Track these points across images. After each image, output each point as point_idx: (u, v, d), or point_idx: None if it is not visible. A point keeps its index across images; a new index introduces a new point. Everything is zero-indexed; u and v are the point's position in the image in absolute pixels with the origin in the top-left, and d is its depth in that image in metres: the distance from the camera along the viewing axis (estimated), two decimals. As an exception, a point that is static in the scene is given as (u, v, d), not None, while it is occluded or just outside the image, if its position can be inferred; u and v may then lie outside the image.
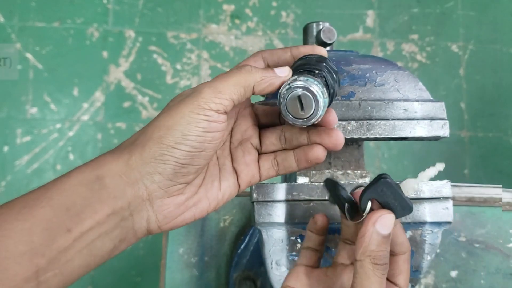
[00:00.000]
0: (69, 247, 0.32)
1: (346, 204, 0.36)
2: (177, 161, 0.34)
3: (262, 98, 0.43)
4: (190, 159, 0.34)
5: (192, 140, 0.33)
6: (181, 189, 0.36)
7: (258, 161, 0.41)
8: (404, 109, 0.44)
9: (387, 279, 0.37)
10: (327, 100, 0.35)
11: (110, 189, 0.33)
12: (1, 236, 0.30)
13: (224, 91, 0.34)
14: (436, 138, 0.45)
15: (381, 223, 0.34)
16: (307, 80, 0.34)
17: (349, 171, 0.48)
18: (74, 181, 0.33)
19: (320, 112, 0.34)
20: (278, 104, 0.35)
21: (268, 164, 0.41)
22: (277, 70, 0.36)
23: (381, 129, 0.43)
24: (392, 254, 0.37)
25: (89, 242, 0.33)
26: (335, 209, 0.44)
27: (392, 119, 0.43)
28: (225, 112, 0.35)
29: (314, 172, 0.47)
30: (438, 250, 0.60)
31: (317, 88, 0.34)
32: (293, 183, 0.45)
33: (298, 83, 0.34)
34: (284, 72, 0.36)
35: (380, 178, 0.35)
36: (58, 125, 1.46)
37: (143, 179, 0.34)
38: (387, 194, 0.35)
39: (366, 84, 0.45)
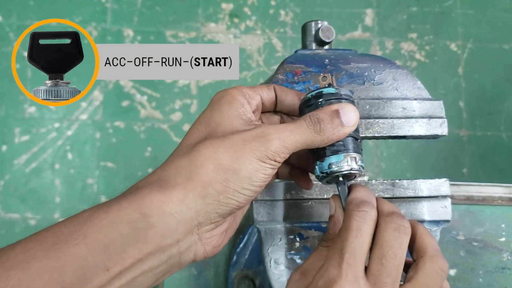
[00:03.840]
0: (106, 286, 0.30)
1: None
2: (239, 204, 0.33)
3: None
4: (249, 201, 0.34)
5: (257, 186, 0.33)
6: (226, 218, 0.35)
7: None
8: (403, 108, 0.44)
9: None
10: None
11: (158, 228, 0.31)
12: (30, 274, 0.28)
13: (290, 147, 0.33)
14: (435, 137, 0.45)
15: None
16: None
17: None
18: (114, 218, 0.30)
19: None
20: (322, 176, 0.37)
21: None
22: (344, 119, 0.35)
23: (380, 127, 0.43)
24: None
25: (130, 279, 0.31)
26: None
27: (391, 118, 0.43)
28: None
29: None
30: (436, 249, 0.60)
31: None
32: (292, 182, 0.45)
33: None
34: (352, 121, 0.35)
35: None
36: (57, 124, 1.46)
37: (198, 217, 0.32)
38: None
39: (364, 83, 0.45)
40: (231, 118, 0.35)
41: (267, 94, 0.39)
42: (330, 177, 0.37)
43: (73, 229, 0.30)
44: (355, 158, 0.36)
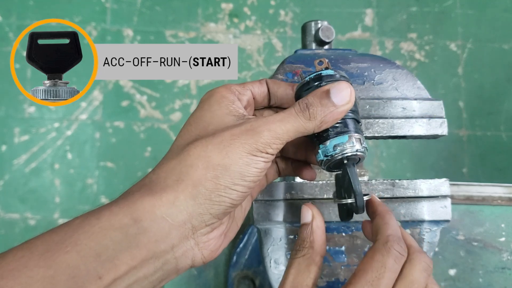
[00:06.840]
0: None
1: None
2: (232, 202, 0.32)
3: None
4: (243, 198, 0.33)
5: (249, 181, 0.32)
6: (222, 220, 0.35)
7: None
8: (403, 108, 0.44)
9: None
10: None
11: (151, 233, 0.30)
12: (21, 284, 0.27)
13: (282, 137, 0.32)
14: (435, 137, 0.45)
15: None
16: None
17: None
18: (105, 224, 0.29)
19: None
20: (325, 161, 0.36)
21: (273, 170, 0.41)
22: (335, 99, 0.33)
23: (380, 127, 0.43)
24: None
25: (125, 287, 0.30)
26: (333, 208, 0.44)
27: (391, 118, 0.43)
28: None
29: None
30: (436, 249, 0.60)
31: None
32: (291, 181, 0.45)
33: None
34: (344, 99, 0.34)
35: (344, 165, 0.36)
36: (56, 124, 1.45)
37: (192, 220, 0.31)
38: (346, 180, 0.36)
39: (364, 83, 0.45)
40: (221, 116, 0.34)
41: (258, 89, 0.38)
42: (334, 160, 0.35)
43: (65, 237, 0.29)
44: (360, 139, 0.35)
